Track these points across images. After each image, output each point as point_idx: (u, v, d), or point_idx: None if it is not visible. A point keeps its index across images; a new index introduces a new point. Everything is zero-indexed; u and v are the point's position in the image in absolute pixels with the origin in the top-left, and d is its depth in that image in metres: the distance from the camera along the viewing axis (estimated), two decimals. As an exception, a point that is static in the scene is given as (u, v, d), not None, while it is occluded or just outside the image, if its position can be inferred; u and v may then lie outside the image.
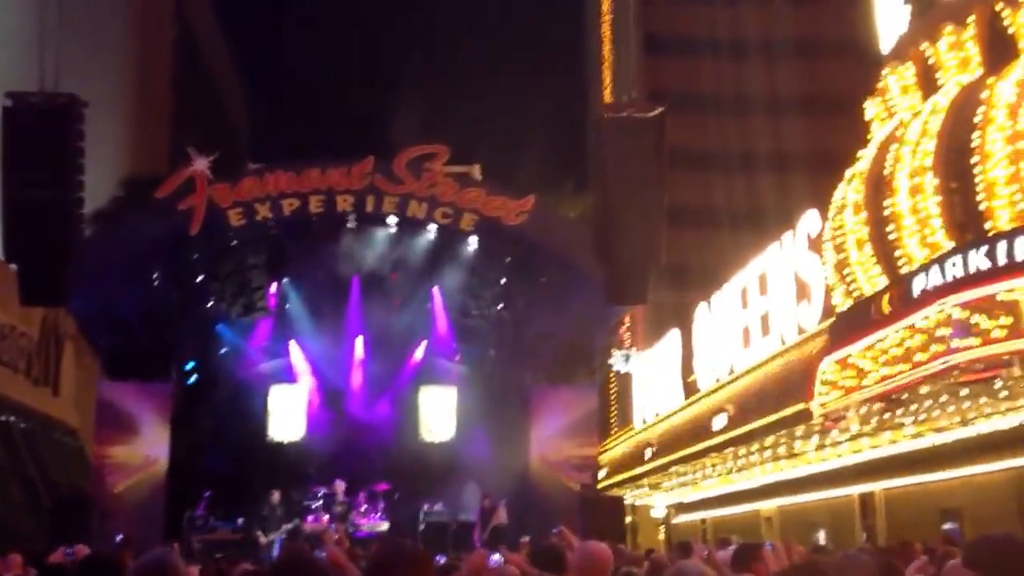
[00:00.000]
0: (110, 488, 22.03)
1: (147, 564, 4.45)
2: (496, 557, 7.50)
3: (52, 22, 26.37)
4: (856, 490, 21.62)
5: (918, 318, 13.36)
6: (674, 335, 27.72)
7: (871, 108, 17.49)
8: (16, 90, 21.34)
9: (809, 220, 19.09)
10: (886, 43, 17.39)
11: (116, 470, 22.22)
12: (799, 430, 17.78)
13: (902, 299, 13.79)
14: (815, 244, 18.43)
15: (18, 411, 30.68)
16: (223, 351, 25.12)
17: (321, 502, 21.98)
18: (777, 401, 18.19)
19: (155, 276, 22.48)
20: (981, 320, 12.39)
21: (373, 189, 22.03)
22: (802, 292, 19.16)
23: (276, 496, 21.03)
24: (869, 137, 17.20)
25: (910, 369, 13.58)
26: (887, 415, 15.71)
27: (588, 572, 5.53)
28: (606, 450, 30.22)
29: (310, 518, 21.53)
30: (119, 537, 18.88)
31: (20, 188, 20.33)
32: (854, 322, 15.47)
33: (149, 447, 22.34)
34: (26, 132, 20.41)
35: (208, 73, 68.84)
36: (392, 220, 22.51)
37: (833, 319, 16.85)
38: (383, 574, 3.87)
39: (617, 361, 33.93)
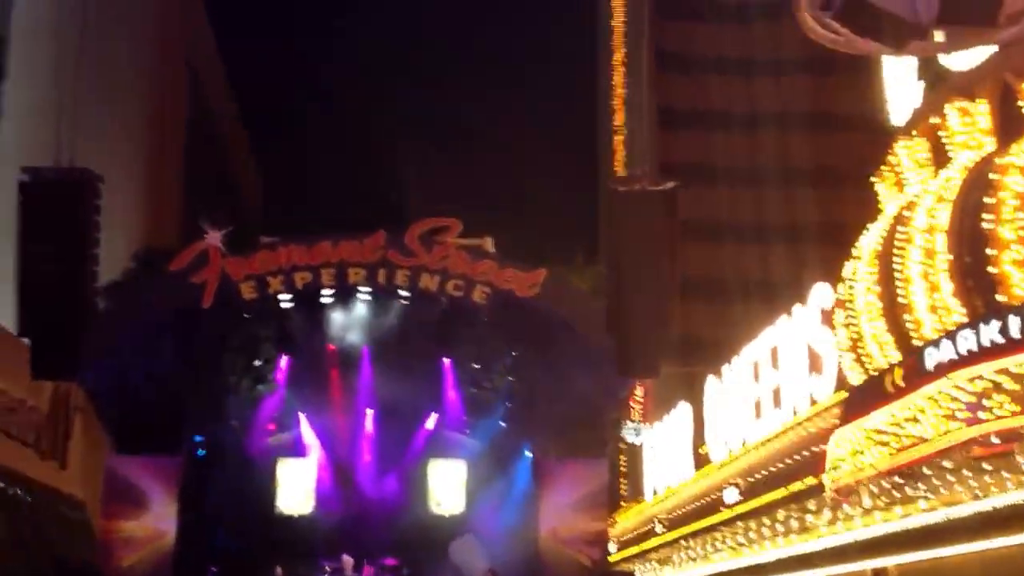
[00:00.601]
0: (117, 562, 21.91)
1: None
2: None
3: (68, 97, 26.83)
4: (869, 565, 21.30)
5: (932, 391, 13.28)
6: (684, 407, 27.56)
7: (882, 181, 17.56)
8: (32, 165, 21.64)
9: (820, 292, 19.05)
10: (897, 116, 17.51)
11: (123, 544, 22.10)
12: (810, 504, 17.59)
13: (914, 372, 13.72)
14: (827, 317, 18.39)
15: (25, 485, 30.52)
16: (232, 424, 25.09)
17: (331, 573, 21.81)
18: (789, 475, 18.03)
19: (166, 349, 22.54)
20: (996, 394, 12.31)
21: (385, 262, 22.18)
22: (814, 365, 19.07)
23: (279, 573, 20.83)
24: (880, 209, 17.24)
25: (923, 443, 13.47)
26: (900, 490, 15.55)
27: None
28: (617, 523, 29.92)
29: (321, 590, 21.37)
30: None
31: (35, 262, 20.54)
32: (867, 396, 15.36)
33: (157, 521, 22.23)
34: (42, 206, 20.67)
35: (222, 147, 69.58)
36: (404, 293, 22.60)
37: (846, 393, 16.76)
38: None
39: (628, 433, 33.75)
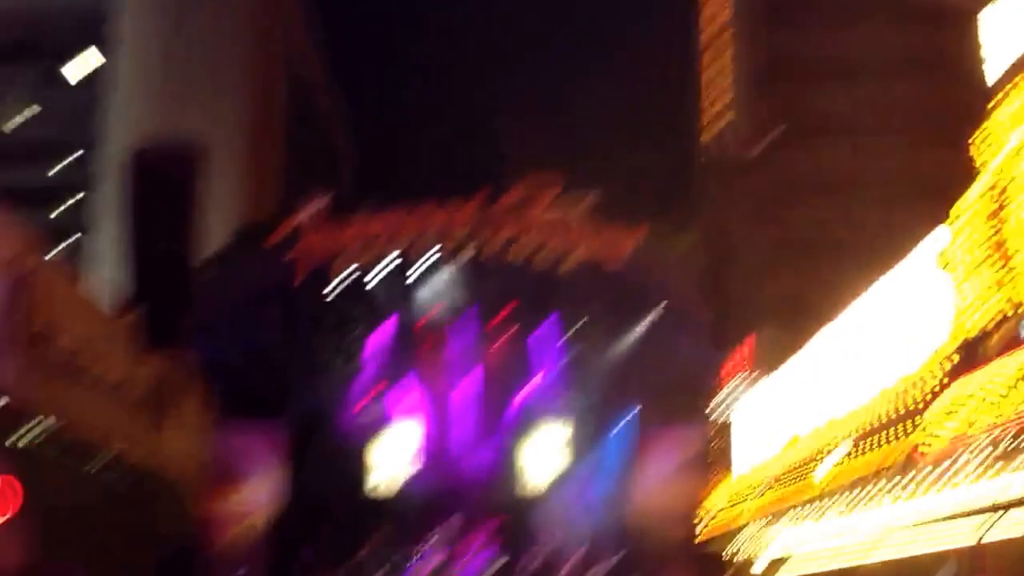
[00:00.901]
0: (222, 529, 22.39)
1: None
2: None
3: (172, 72, 27.36)
4: (976, 534, 20.74)
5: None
6: (785, 371, 27.10)
7: (993, 125, 16.92)
8: (138, 142, 22.17)
9: (930, 246, 18.50)
10: (994, 69, 16.84)
11: (227, 512, 22.58)
12: (918, 464, 17.15)
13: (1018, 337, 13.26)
14: (936, 272, 17.86)
15: (133, 458, 31.46)
16: (332, 394, 25.49)
17: (428, 545, 22.01)
18: (897, 434, 17.61)
19: (266, 322, 22.92)
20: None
21: (481, 228, 22.17)
22: (925, 320, 18.55)
23: (375, 541, 21.06)
24: (993, 154, 16.63)
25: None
26: (1007, 453, 15.08)
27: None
28: (714, 494, 29.61)
29: (418, 561, 21.57)
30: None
31: (141, 235, 21.06)
32: (978, 352, 14.93)
33: (259, 488, 22.68)
34: (147, 180, 21.16)
35: (319, 122, 70.43)
36: (500, 258, 22.57)
37: (956, 349, 16.28)
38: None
39: (727, 398, 33.24)
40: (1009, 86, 16.02)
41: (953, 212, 16.28)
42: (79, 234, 56.77)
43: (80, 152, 59.22)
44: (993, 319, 14.55)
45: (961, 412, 14.72)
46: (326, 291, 22.62)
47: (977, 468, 15.92)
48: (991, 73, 17.05)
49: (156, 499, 32.33)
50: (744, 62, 49.66)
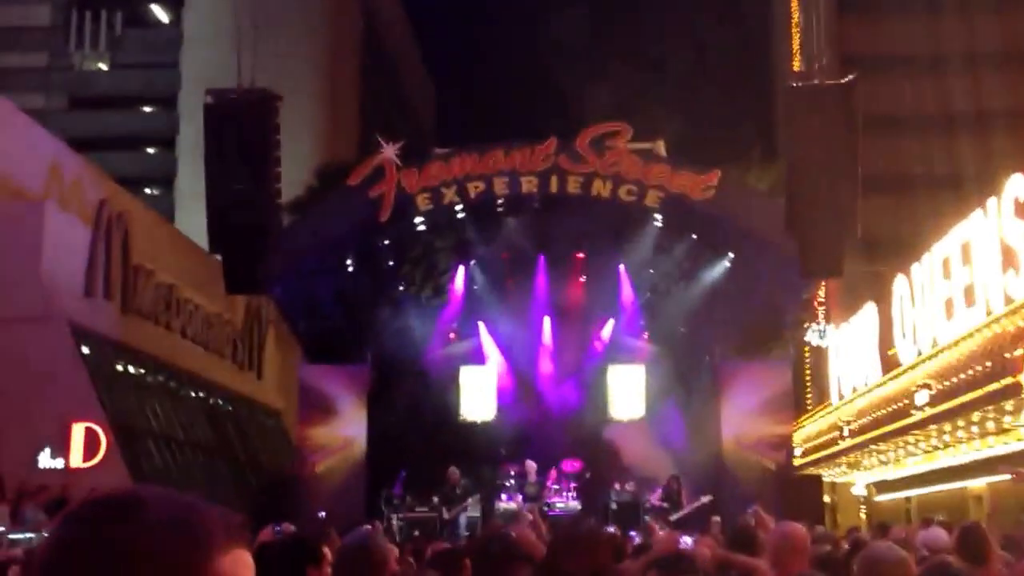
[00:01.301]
0: (312, 468, 22.86)
1: (352, 544, 4.57)
2: (687, 539, 7.38)
3: (246, 20, 27.53)
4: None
5: None
6: (870, 308, 26.78)
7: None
8: (215, 87, 22.36)
9: (1016, 184, 18.07)
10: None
11: (317, 450, 23.02)
12: (1008, 405, 16.88)
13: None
14: (1023, 209, 17.45)
15: (225, 394, 32.31)
16: (414, 334, 25.71)
17: (513, 482, 22.20)
18: (983, 376, 17.34)
19: (348, 262, 23.13)
20: None
21: (557, 169, 22.01)
22: (1009, 260, 18.17)
23: (455, 474, 21.22)
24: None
25: None
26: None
27: (784, 553, 5.35)
28: (802, 427, 29.49)
29: (504, 497, 21.79)
30: (322, 514, 19.59)
31: (222, 183, 21.32)
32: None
33: (347, 428, 23.04)
34: (226, 128, 21.38)
35: (394, 61, 70.50)
36: (577, 199, 22.46)
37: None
38: (564, 553, 3.86)
39: (812, 335, 33.01)
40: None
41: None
42: (166, 179, 57.87)
43: (162, 101, 60.18)
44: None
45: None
46: (409, 227, 22.70)
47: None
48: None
49: (255, 431, 33.22)
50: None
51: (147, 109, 62.57)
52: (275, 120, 21.75)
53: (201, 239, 25.82)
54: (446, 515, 20.63)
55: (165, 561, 1.32)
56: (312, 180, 37.58)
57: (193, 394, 30.64)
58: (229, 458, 30.35)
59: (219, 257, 22.75)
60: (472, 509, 21.34)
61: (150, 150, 62.06)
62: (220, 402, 31.97)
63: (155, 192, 57.23)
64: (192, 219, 34.76)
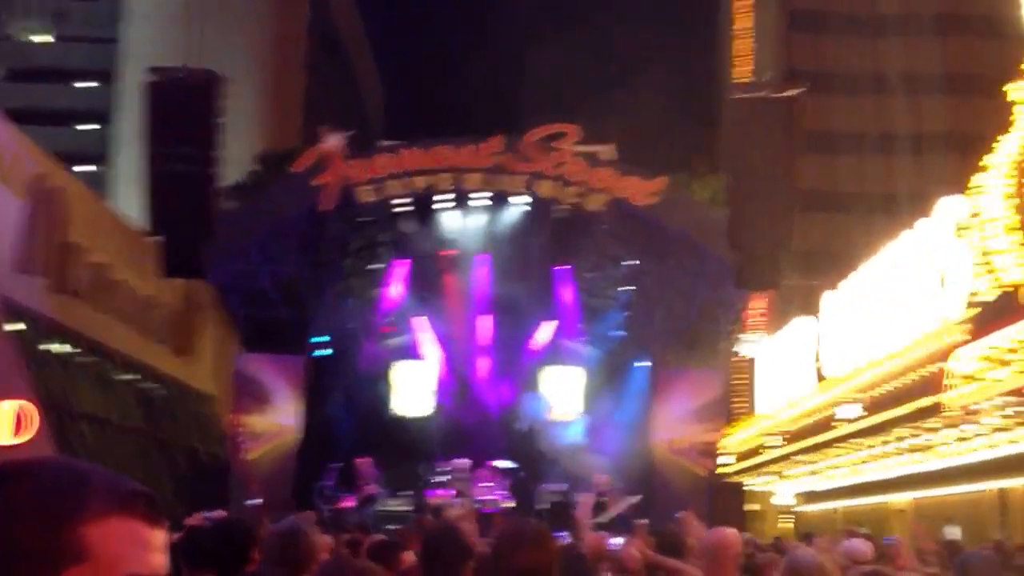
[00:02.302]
0: (244, 455, 22.72)
1: (282, 530, 4.59)
2: (617, 540, 7.50)
3: (193, 0, 27.20)
4: (994, 485, 20.93)
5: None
6: (803, 321, 27.18)
7: (1017, 90, 16.79)
8: (158, 65, 22.10)
9: (949, 205, 18.47)
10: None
11: (250, 438, 22.89)
12: (932, 423, 17.27)
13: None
14: (956, 231, 17.84)
15: (158, 379, 31.89)
16: (352, 326, 25.63)
17: (445, 477, 22.24)
18: (910, 392, 17.70)
19: (290, 250, 23.02)
20: None
21: (503, 167, 22.10)
22: (941, 280, 18.58)
23: (365, 465, 20.87)
24: (1015, 119, 16.53)
25: (1055, 363, 13.07)
26: (1028, 410, 15.15)
27: (717, 558, 5.45)
28: (731, 436, 29.84)
29: (437, 492, 21.82)
30: (256, 501, 19.47)
31: (163, 162, 21.08)
32: (997, 313, 14.94)
33: (282, 417, 22.95)
34: (170, 107, 21.13)
35: (341, 51, 70.05)
36: (521, 199, 22.57)
37: (974, 309, 16.31)
38: (510, 550, 3.91)
39: (745, 345, 33.36)
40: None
41: (983, 166, 16.23)
42: (102, 157, 56.93)
43: (101, 76, 59.19)
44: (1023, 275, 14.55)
45: (986, 367, 14.78)
46: (351, 219, 22.62)
47: (1004, 422, 16.02)
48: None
49: (187, 416, 32.82)
50: (774, 10, 49.20)
51: (86, 84, 61.54)
52: (220, 102, 21.58)
53: (137, 219, 25.49)
54: (355, 506, 20.41)
55: (27, 525, 1.29)
56: (254, 165, 37.25)
57: (125, 377, 30.21)
58: (160, 442, 29.98)
59: (157, 239, 22.48)
60: (383, 503, 21.30)
61: (87, 126, 61.05)
62: (153, 386, 31.57)
63: (91, 169, 56.30)
64: (129, 199, 34.28)
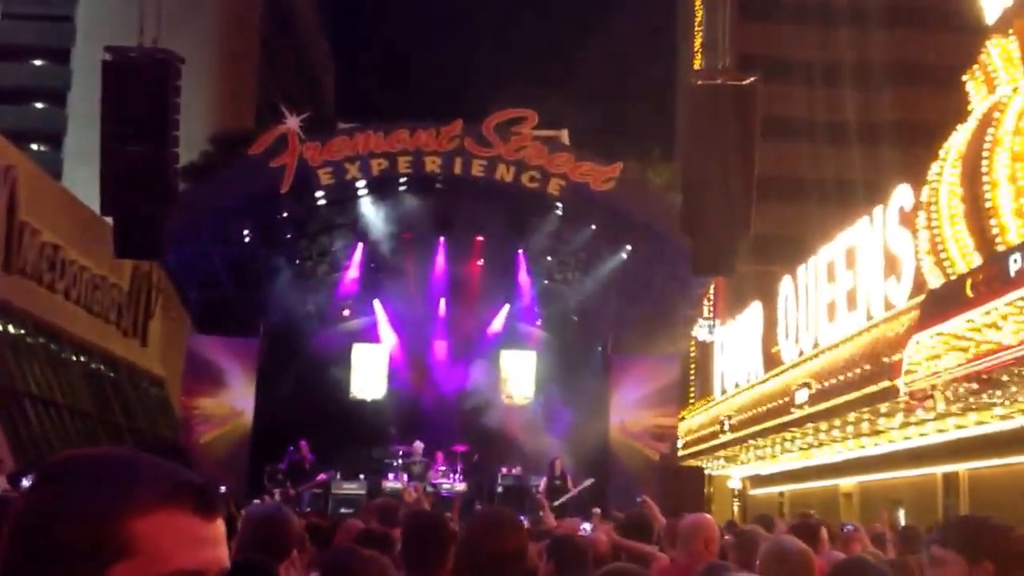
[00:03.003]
0: (196, 438, 22.57)
1: (263, 515, 4.59)
2: (585, 525, 7.56)
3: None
4: (940, 470, 21.32)
5: (1013, 298, 13.10)
6: (757, 307, 27.48)
7: (971, 81, 17.06)
8: (113, 44, 21.75)
9: (901, 194, 18.75)
10: (989, 14, 16.93)
11: (203, 421, 22.73)
12: (883, 408, 17.56)
13: (998, 278, 13.52)
14: (907, 219, 18.12)
15: (107, 360, 31.57)
16: (309, 308, 25.51)
17: (400, 461, 22.21)
18: (862, 378, 17.99)
19: (245, 232, 22.85)
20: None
21: (461, 151, 22.07)
22: (891, 268, 18.87)
23: (305, 448, 20.65)
24: (968, 111, 16.80)
25: (1002, 349, 13.34)
26: (976, 396, 15.46)
27: (693, 543, 5.47)
28: (685, 420, 30.13)
29: (391, 476, 21.80)
30: (222, 489, 19.30)
31: (118, 142, 20.76)
32: (947, 300, 15.21)
33: (235, 400, 22.80)
34: (125, 87, 20.81)
35: (297, 32, 69.47)
36: (480, 182, 22.56)
37: (924, 296, 16.58)
38: (485, 536, 3.94)
39: (700, 331, 33.69)
40: (1004, 31, 16.14)
41: (937, 156, 16.48)
42: (55, 135, 56.06)
43: (54, 54, 58.25)
44: (970, 262, 14.82)
45: (936, 354, 15.04)
46: (308, 200, 22.48)
47: (950, 407, 16.32)
48: (977, 20, 17.15)
49: (138, 398, 32.51)
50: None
51: (38, 62, 60.53)
52: (176, 82, 21.29)
53: (89, 199, 25.14)
54: (291, 491, 20.15)
55: (71, 524, 1.28)
56: (207, 146, 36.88)
57: (75, 358, 29.87)
58: (110, 424, 29.69)
59: (108, 219, 22.17)
60: (336, 487, 21.26)
61: (39, 104, 60.07)
62: (102, 367, 31.23)
63: (42, 149, 55.44)
64: (80, 178, 33.83)
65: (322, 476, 20.23)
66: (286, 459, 20.51)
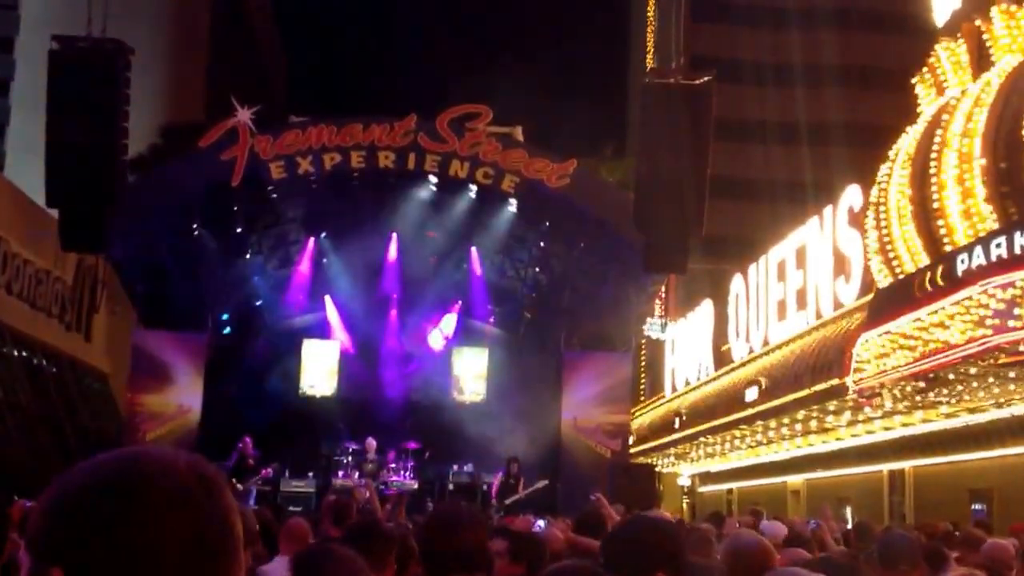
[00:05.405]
0: (142, 435, 22.20)
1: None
2: (540, 522, 7.52)
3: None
4: (886, 467, 21.59)
5: (960, 298, 13.26)
6: (708, 305, 27.65)
7: (920, 84, 17.27)
8: (59, 33, 21.34)
9: (851, 195, 18.95)
10: (939, 17, 17.14)
11: (148, 418, 22.38)
12: (832, 405, 17.74)
13: (945, 278, 13.69)
14: (856, 219, 18.32)
15: (49, 355, 31.02)
16: (258, 304, 25.23)
17: (351, 458, 22.03)
18: (811, 376, 18.15)
19: (194, 226, 22.54)
20: (1022, 302, 12.28)
21: (415, 147, 21.95)
22: (841, 267, 19.07)
23: (249, 445, 20.37)
24: (918, 113, 17.00)
25: (949, 349, 13.50)
26: (922, 394, 15.64)
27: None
28: (636, 417, 30.26)
29: (340, 473, 21.62)
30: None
31: (64, 133, 20.37)
32: (894, 300, 15.38)
33: (182, 396, 22.45)
34: (72, 76, 20.42)
35: (246, 25, 68.82)
36: (433, 178, 22.45)
37: (872, 296, 16.75)
38: (446, 533, 3.88)
39: (651, 328, 33.85)
40: (953, 34, 16.32)
41: (887, 158, 16.66)
42: (-2, 126, 55.05)
43: (-2, 41, 57.19)
44: (918, 262, 14.99)
45: (887, 351, 15.20)
46: (259, 194, 22.21)
47: (897, 405, 16.51)
48: (927, 23, 17.36)
49: (80, 395, 31.96)
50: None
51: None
52: (125, 73, 20.94)
53: (31, 190, 24.69)
54: (239, 487, 19.85)
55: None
56: (155, 138, 36.45)
57: (15, 353, 29.31)
58: (51, 422, 29.18)
59: (52, 212, 21.76)
60: (285, 484, 21.07)
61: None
62: (44, 363, 30.68)
63: (-11, 137, 54.46)
64: (23, 170, 33.22)
65: (266, 471, 19.98)
66: (233, 456, 20.22)
